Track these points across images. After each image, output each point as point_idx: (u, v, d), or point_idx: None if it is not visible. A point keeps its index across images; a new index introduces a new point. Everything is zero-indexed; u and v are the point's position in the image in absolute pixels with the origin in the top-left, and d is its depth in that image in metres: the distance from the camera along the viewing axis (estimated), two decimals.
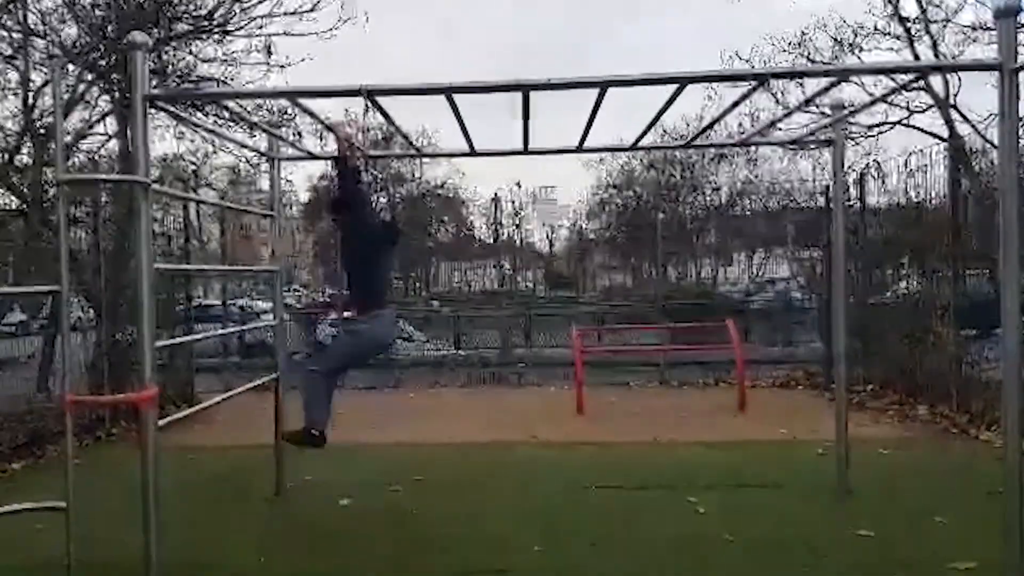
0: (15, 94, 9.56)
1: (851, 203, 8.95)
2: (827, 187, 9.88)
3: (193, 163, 13.83)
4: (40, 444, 6.93)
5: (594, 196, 30.66)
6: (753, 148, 23.98)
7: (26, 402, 7.55)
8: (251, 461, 6.15)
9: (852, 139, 14.64)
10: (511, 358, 12.41)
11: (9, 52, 9.34)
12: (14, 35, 9.08)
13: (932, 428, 7.40)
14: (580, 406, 8.51)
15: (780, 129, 7.88)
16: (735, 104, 4.57)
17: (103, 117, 10.29)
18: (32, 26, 9.17)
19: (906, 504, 5.07)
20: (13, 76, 9.54)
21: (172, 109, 4.23)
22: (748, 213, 27.99)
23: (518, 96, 4.04)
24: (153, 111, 3.84)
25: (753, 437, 7.15)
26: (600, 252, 33.35)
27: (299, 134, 11.67)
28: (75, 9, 9.31)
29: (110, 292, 8.08)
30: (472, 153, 5.58)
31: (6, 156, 9.10)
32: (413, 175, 33.77)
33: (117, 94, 9.49)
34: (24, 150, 9.33)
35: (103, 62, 9.27)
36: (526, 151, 5.56)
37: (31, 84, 9.36)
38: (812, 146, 13.16)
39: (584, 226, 33.17)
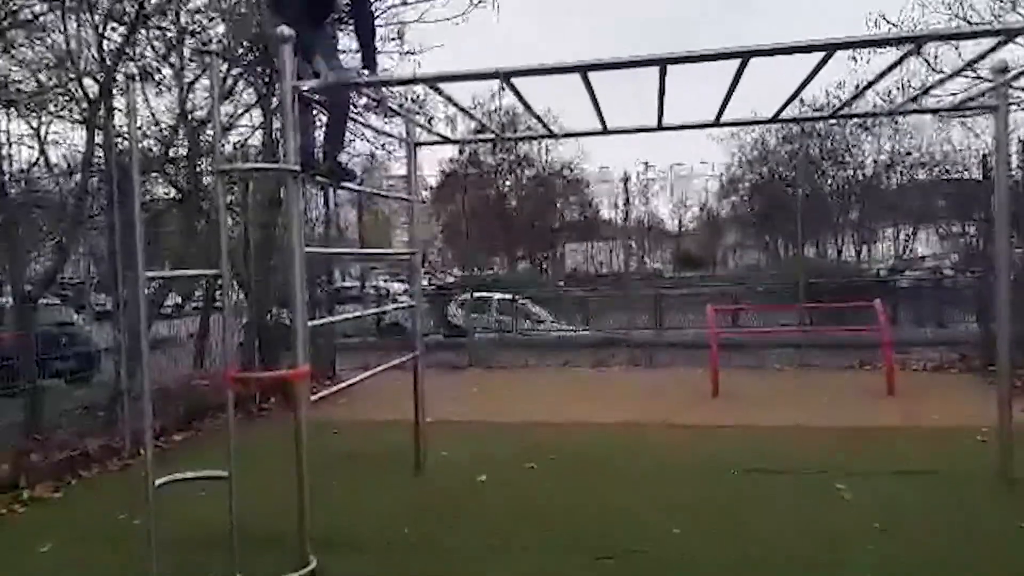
0: (169, 90, 10.22)
1: (1012, 173, 8.25)
2: (984, 156, 9.16)
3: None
4: (199, 418, 7.45)
5: (726, 173, 29.71)
6: (900, 117, 22.47)
7: (185, 380, 8.14)
8: (391, 436, 6.38)
9: (1015, 104, 13.46)
10: (642, 340, 12.27)
11: (164, 51, 9.98)
12: (168, 34, 9.69)
13: None
14: (715, 388, 8.30)
15: (934, 96, 7.32)
16: (887, 70, 4.30)
17: (247, 109, 10.86)
18: (184, 25, 9.75)
19: None
20: (167, 72, 10.20)
21: (317, 99, 4.40)
22: (895, 187, 26.33)
23: None
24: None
25: (904, 423, 6.75)
26: (733, 230, 32.37)
27: (430, 119, 11.93)
28: (222, 8, 9.84)
29: (259, 275, 8.56)
30: (605, 131, 5.53)
31: (163, 148, 9.75)
32: (541, 158, 33.80)
33: (262, 87, 9.99)
34: (176, 142, 9.97)
35: (247, 57, 9.78)
36: (660, 127, 5.45)
37: (184, 80, 9.98)
38: (969, 113, 12.19)
39: (716, 204, 32.25)
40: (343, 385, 4.91)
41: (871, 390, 8.26)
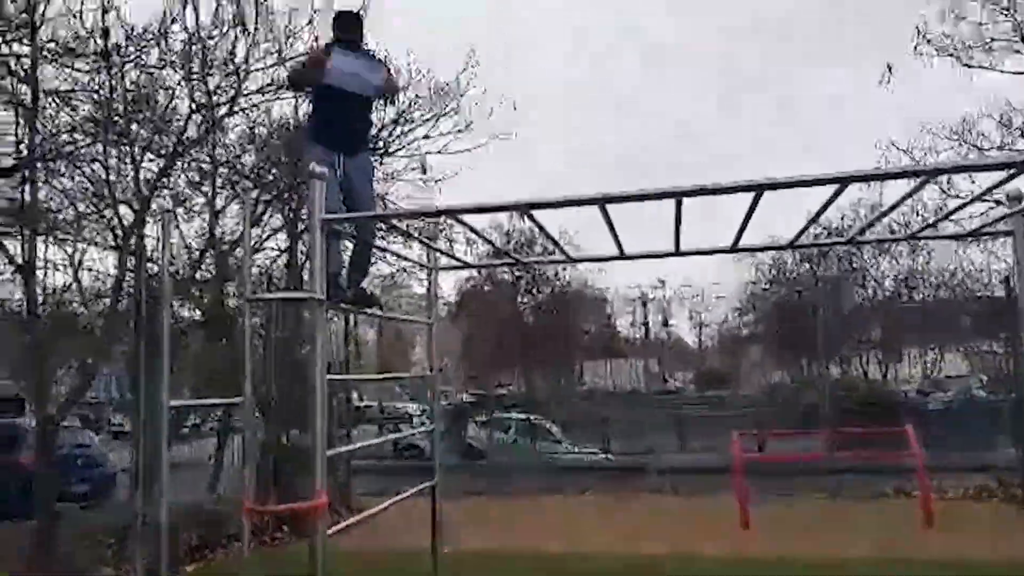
0: (200, 216, 10.55)
1: None
2: (1007, 277, 9.16)
3: None
4: (212, 547, 7.26)
5: (745, 291, 29.81)
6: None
7: (199, 506, 7.99)
8: (407, 567, 6.17)
9: None
10: (665, 464, 11.97)
11: (197, 179, 10.36)
12: (203, 165, 10.10)
13: None
14: (744, 518, 7.98)
15: (951, 219, 7.39)
16: (901, 201, 4.35)
17: (274, 232, 11.16)
18: (217, 156, 10.18)
19: None
20: (199, 200, 10.56)
21: (344, 230, 4.51)
22: (916, 305, 26.19)
23: None
24: None
25: (945, 558, 6.43)
26: (754, 349, 32.13)
27: (451, 241, 12.21)
28: (254, 140, 10.31)
29: (278, 398, 8.54)
30: (622, 256, 5.59)
31: (189, 271, 9.96)
32: (556, 275, 34.16)
33: (289, 213, 10.31)
34: (203, 266, 10.20)
35: (277, 185, 10.15)
36: (678, 253, 5.49)
37: (215, 206, 10.34)
38: (987, 237, 12.23)
39: (736, 322, 32.18)
40: (361, 516, 4.79)
41: (908, 520, 7.89)
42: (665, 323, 26.61)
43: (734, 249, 5.45)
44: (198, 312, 10.31)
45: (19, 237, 7.70)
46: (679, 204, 4.14)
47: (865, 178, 3.81)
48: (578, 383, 34.38)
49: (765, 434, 12.97)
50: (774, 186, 3.68)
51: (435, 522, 5.57)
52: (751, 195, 4.04)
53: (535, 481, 11.40)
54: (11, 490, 7.74)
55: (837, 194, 3.93)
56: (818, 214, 4.38)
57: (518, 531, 8.03)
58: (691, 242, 5.63)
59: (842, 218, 21.54)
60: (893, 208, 4.44)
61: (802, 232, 5.13)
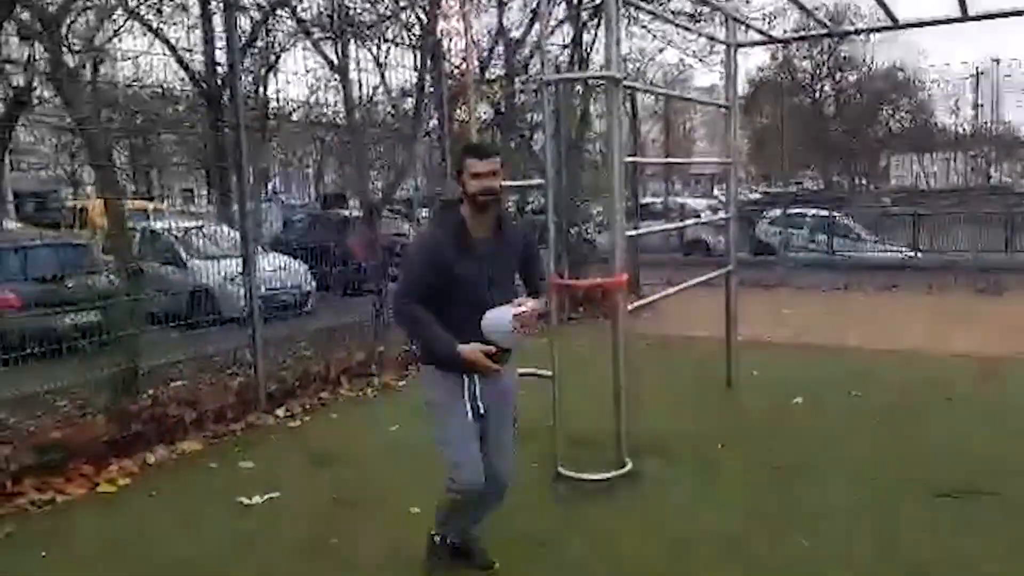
0: (486, 11, 10.68)
1: None
2: None
3: (637, 63, 14.22)
4: None
5: None
6: None
7: None
8: (699, 352, 6.31)
9: None
10: (986, 263, 10.71)
11: None
12: None
13: None
14: None
15: None
16: None
17: (559, 24, 11.02)
18: None
19: None
20: None
21: (640, 4, 4.27)
22: None
23: None
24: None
25: None
26: None
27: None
28: None
29: (567, 186, 8.77)
30: (964, 17, 4.74)
31: (479, 70, 10.25)
32: (865, 59, 30.45)
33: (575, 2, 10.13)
34: (493, 63, 10.46)
35: None
36: None
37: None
38: None
39: None
40: (658, 296, 4.90)
41: None
42: (995, 108, 22.76)
43: None
44: (491, 110, 10.71)
45: (333, 42, 8.34)
46: None
47: None
48: (885, 178, 31.42)
49: None
50: None
51: (729, 308, 5.55)
52: None
53: (831, 278, 10.86)
54: (347, 268, 8.95)
55: None
56: None
57: (812, 325, 7.77)
58: None
59: None
60: None
61: None
